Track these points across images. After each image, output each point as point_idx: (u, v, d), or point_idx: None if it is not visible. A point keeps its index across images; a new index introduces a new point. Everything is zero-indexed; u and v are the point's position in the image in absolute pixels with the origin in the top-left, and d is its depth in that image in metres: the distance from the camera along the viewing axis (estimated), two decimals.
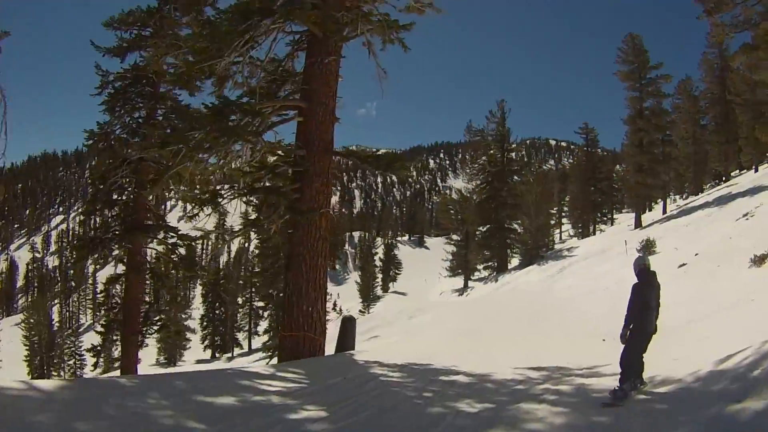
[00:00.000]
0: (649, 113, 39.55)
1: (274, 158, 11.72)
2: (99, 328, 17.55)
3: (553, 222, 61.06)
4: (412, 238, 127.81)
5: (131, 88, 15.80)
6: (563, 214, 69.18)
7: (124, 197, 16.07)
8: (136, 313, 15.74)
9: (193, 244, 21.52)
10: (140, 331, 15.88)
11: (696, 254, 20.68)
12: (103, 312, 17.51)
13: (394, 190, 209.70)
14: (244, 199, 11.42)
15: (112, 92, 15.55)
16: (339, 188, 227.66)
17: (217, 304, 61.58)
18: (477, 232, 51.45)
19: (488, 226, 49.67)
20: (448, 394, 7.00)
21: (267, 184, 11.57)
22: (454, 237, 55.20)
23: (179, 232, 16.11)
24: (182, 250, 16.92)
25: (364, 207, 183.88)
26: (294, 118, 11.42)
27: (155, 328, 16.56)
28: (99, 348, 16.59)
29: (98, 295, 56.16)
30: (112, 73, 15.56)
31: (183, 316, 52.03)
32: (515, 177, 51.92)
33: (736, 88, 41.24)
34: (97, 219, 16.85)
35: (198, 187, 12.77)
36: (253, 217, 12.18)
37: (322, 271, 11.13)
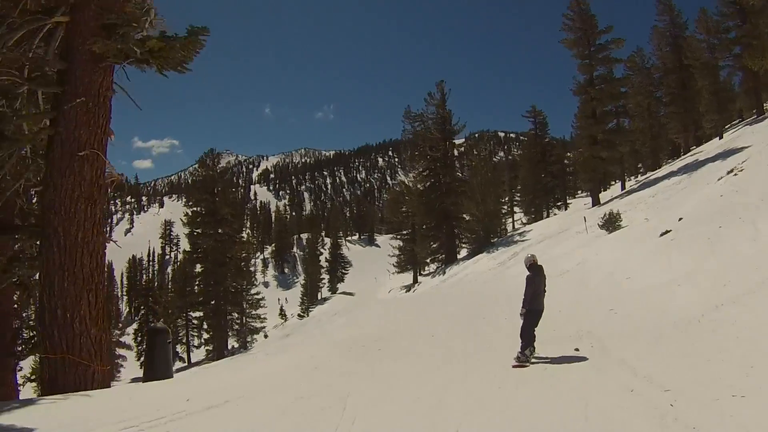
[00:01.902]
0: (601, 81, 35.43)
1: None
2: None
3: (504, 210, 56.45)
4: (362, 237, 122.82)
5: None
6: (515, 202, 64.83)
7: None
8: (7, 331, 11.93)
9: None
10: (14, 353, 12.42)
11: (680, 219, 16.03)
12: None
13: (344, 190, 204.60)
14: None
15: None
16: (288, 192, 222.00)
17: (150, 317, 56.47)
18: (424, 225, 46.44)
19: (433, 215, 44.66)
20: None
21: None
22: (403, 231, 51.35)
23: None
24: None
25: (314, 209, 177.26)
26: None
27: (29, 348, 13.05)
28: None
29: None
30: None
31: (116, 332, 48.47)
32: (460, 162, 47.27)
33: (693, 52, 37.82)
34: None
35: None
36: None
37: (92, 255, 6.78)
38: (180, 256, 65.19)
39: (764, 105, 37.19)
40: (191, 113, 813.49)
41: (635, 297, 10.99)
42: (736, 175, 17.86)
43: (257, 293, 56.08)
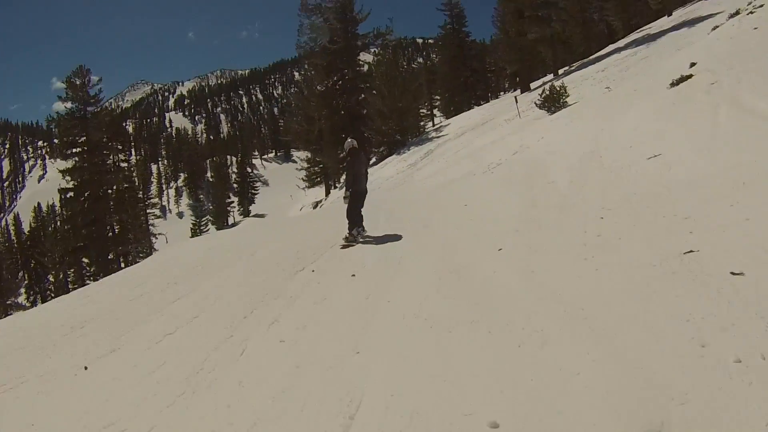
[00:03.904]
0: None
1: None
2: None
3: (424, 113, 48.28)
4: (278, 154, 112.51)
5: None
6: (434, 105, 56.82)
7: None
8: None
9: None
10: None
11: (693, 64, 8.87)
12: None
13: (261, 108, 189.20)
14: None
15: None
16: (204, 116, 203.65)
17: (38, 270, 49.36)
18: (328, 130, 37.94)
19: (338, 118, 36.38)
20: None
21: None
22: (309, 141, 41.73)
23: None
24: None
25: (231, 130, 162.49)
26: None
27: None
28: None
29: None
30: None
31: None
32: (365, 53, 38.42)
33: None
34: None
35: None
36: None
37: None
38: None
39: None
40: (110, 46, 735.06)
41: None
42: (748, 15, 10.78)
43: (151, 224, 47.22)
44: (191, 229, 55.93)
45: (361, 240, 7.31)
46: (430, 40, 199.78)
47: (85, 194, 30.87)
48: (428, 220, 7.39)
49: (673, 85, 8.37)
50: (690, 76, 8.17)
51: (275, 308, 4.58)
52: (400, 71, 34.59)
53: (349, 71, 36.37)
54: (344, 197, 7.61)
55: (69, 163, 31.22)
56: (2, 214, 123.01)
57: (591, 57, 30.33)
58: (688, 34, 18.61)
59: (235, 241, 10.17)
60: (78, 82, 30.93)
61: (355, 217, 7.53)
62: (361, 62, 37.88)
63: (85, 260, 32.37)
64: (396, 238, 6.84)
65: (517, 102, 19.45)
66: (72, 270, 34.61)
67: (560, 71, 30.02)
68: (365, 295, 4.32)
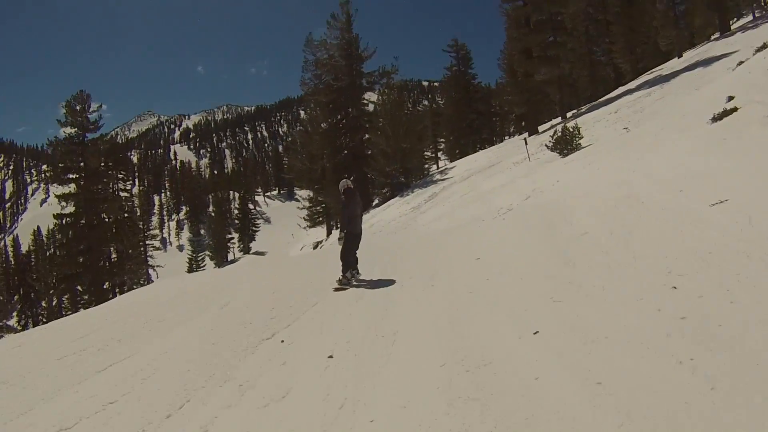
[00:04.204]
0: None
1: None
2: None
3: (428, 155, 47.27)
4: (281, 192, 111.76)
5: None
6: (439, 148, 56.11)
7: None
8: None
9: None
10: None
11: (731, 98, 7.84)
12: None
13: (266, 144, 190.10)
14: None
15: None
16: (209, 150, 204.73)
17: (32, 294, 49.60)
18: (329, 166, 36.93)
19: (341, 157, 35.50)
20: None
21: None
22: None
23: None
24: None
25: (235, 165, 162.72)
26: None
27: None
28: None
29: None
30: None
31: None
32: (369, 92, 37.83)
33: None
34: None
35: None
36: None
37: None
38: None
39: (730, 22, 30.21)
40: (119, 76, 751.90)
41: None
42: None
43: (150, 256, 46.03)
44: (187, 263, 54.52)
45: (355, 283, 7.04)
46: (435, 83, 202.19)
47: (81, 221, 29.79)
48: (433, 275, 6.05)
49: (715, 119, 7.24)
50: (735, 109, 7.04)
51: (213, 405, 3.27)
52: (405, 112, 33.86)
53: (353, 109, 35.76)
54: (338, 238, 7.58)
55: (66, 189, 30.30)
56: (2, 235, 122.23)
57: (600, 99, 29.63)
58: (705, 73, 17.75)
59: (214, 285, 9.00)
60: (78, 107, 30.15)
61: (349, 259, 7.36)
62: (365, 101, 37.34)
63: (80, 288, 31.09)
64: (393, 294, 5.55)
65: (527, 143, 18.41)
66: (67, 297, 33.26)
67: (568, 114, 29.21)
68: (339, 401, 2.97)
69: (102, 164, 31.40)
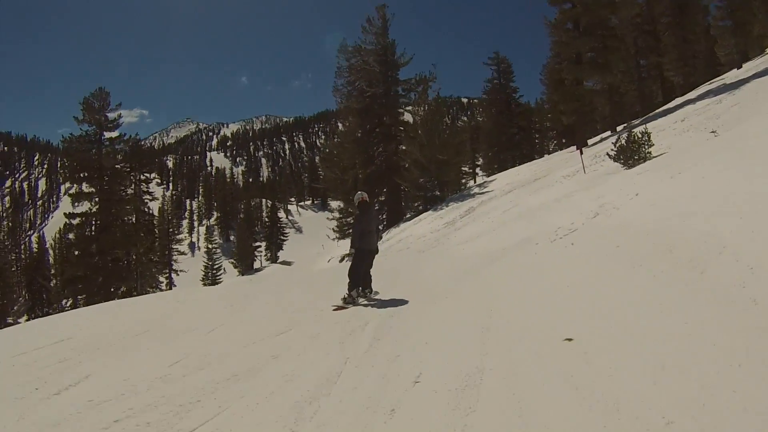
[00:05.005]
0: None
1: None
2: None
3: (466, 170, 44.86)
4: (315, 202, 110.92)
5: None
6: (477, 164, 53.78)
7: None
8: None
9: None
10: None
11: None
12: None
13: (302, 155, 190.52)
14: None
15: None
16: (246, 158, 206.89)
17: (44, 296, 48.26)
18: (361, 176, 34.99)
19: (374, 167, 33.56)
20: None
21: None
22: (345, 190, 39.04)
23: None
24: None
25: (271, 175, 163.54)
26: None
27: None
28: None
29: None
30: None
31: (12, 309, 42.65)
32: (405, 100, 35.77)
33: None
34: None
35: None
36: None
37: None
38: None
39: None
40: (163, 84, 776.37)
41: None
42: None
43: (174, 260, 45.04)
44: (202, 271, 53.34)
45: (361, 303, 6.69)
46: (475, 100, 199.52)
47: (93, 222, 28.56)
48: (479, 367, 3.49)
49: None
50: None
51: None
52: (442, 120, 31.65)
53: (387, 117, 33.87)
54: (348, 254, 7.40)
55: (85, 188, 29.23)
56: (32, 231, 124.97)
57: (656, 111, 26.81)
58: None
59: (214, 300, 8.13)
60: (96, 105, 29.04)
61: (356, 278, 6.97)
62: (401, 109, 35.46)
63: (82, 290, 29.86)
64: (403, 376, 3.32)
65: (582, 153, 15.96)
66: (82, 298, 32.17)
67: (618, 128, 26.56)
68: None
69: (120, 165, 30.19)
